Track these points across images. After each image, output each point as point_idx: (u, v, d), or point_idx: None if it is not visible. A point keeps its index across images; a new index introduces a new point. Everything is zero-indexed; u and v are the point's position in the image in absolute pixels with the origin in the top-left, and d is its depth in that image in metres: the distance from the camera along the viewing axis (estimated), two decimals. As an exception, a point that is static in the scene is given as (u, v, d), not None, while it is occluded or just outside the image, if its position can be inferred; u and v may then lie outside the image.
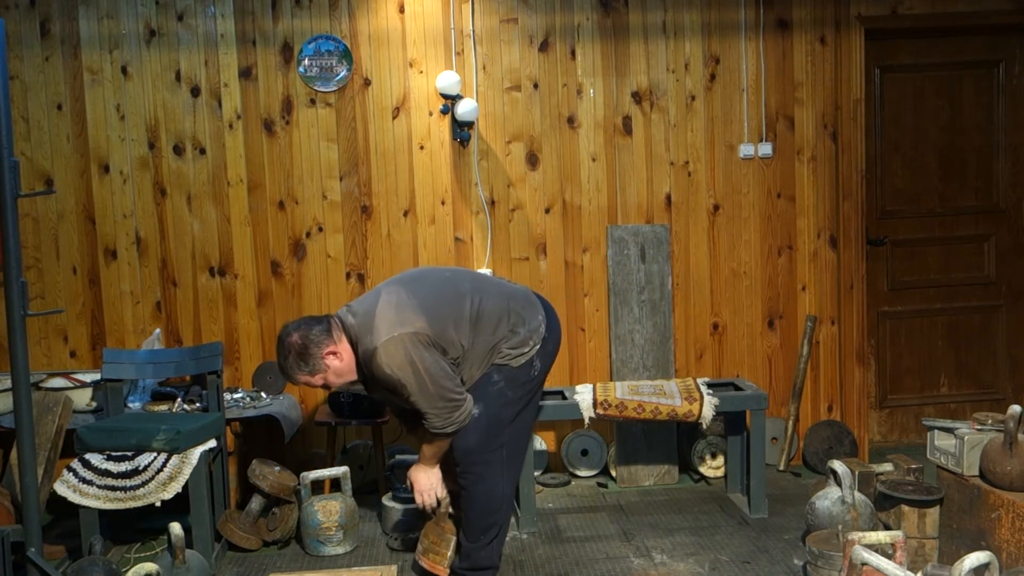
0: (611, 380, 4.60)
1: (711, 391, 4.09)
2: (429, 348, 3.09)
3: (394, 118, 4.52)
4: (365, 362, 3.14)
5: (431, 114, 4.51)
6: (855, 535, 2.90)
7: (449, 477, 3.38)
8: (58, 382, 4.08)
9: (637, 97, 4.60)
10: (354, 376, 3.22)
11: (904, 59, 4.84)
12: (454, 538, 3.32)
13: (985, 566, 2.52)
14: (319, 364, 3.14)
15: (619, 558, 3.66)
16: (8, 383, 3.50)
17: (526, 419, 3.35)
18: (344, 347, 3.17)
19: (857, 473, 3.59)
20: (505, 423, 3.23)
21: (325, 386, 3.25)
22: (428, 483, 3.35)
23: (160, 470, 3.49)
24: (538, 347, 3.28)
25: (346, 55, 4.46)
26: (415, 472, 3.35)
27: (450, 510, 3.37)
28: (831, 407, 4.78)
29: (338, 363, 3.16)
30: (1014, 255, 5.01)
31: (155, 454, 3.52)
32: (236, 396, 4.29)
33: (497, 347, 3.22)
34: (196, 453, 3.55)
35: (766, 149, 4.64)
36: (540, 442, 4.64)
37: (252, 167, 4.50)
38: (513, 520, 4.09)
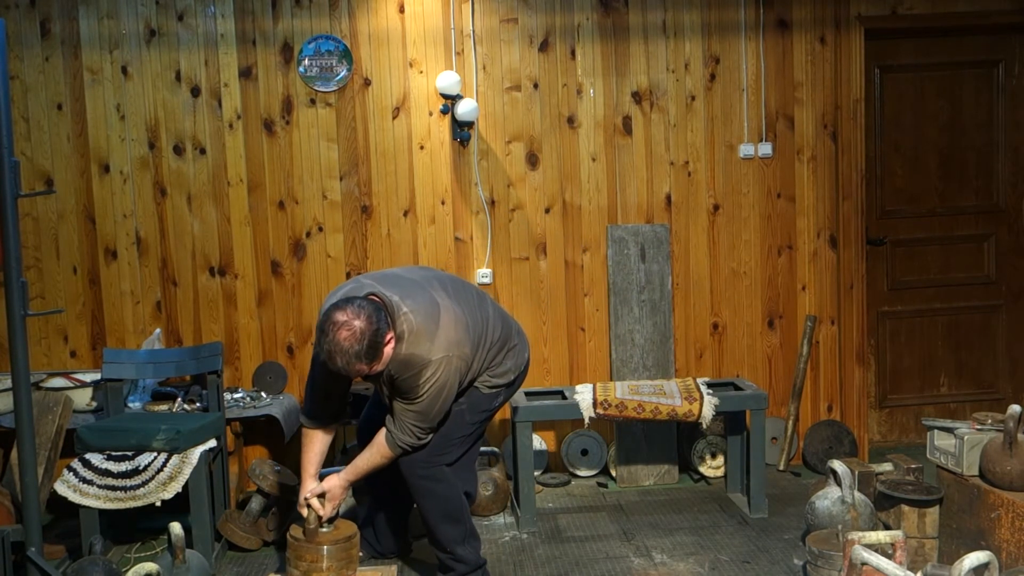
0: (611, 380, 4.61)
1: (711, 391, 4.09)
2: (459, 378, 3.09)
3: (394, 118, 4.52)
4: (405, 362, 2.98)
5: (431, 114, 4.51)
6: (855, 535, 2.90)
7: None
8: (58, 382, 4.09)
9: (637, 97, 4.60)
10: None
11: (904, 59, 4.84)
12: (331, 546, 3.06)
13: (985, 566, 2.52)
14: (380, 353, 2.91)
15: (619, 558, 3.66)
16: (8, 383, 3.50)
17: (469, 440, 3.32)
18: (393, 335, 2.97)
19: (857, 473, 3.59)
20: (454, 441, 3.23)
21: (367, 375, 3.01)
22: (341, 496, 3.21)
23: (160, 470, 3.49)
24: (511, 381, 3.30)
25: (346, 55, 4.46)
26: (335, 480, 3.17)
27: (324, 526, 3.14)
28: (831, 407, 4.78)
29: (390, 350, 2.95)
30: (1014, 255, 5.01)
31: (155, 454, 3.52)
32: (236, 396, 4.29)
33: (484, 373, 3.23)
34: (196, 453, 3.55)
35: (766, 149, 4.64)
36: (540, 442, 4.64)
37: (252, 167, 4.50)
38: (513, 520, 4.09)
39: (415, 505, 3.34)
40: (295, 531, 3.08)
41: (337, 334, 2.83)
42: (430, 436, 3.14)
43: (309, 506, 3.14)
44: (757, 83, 4.62)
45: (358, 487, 3.66)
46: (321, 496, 3.17)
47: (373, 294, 3.00)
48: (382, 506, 3.57)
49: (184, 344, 4.51)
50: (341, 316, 2.84)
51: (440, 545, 3.29)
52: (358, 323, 2.83)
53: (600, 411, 3.99)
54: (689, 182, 4.65)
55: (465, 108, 4.32)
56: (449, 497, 3.23)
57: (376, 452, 3.16)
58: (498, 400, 3.32)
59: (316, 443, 3.28)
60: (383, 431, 3.15)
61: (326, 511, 3.13)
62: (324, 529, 3.07)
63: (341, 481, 3.19)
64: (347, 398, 3.36)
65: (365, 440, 3.44)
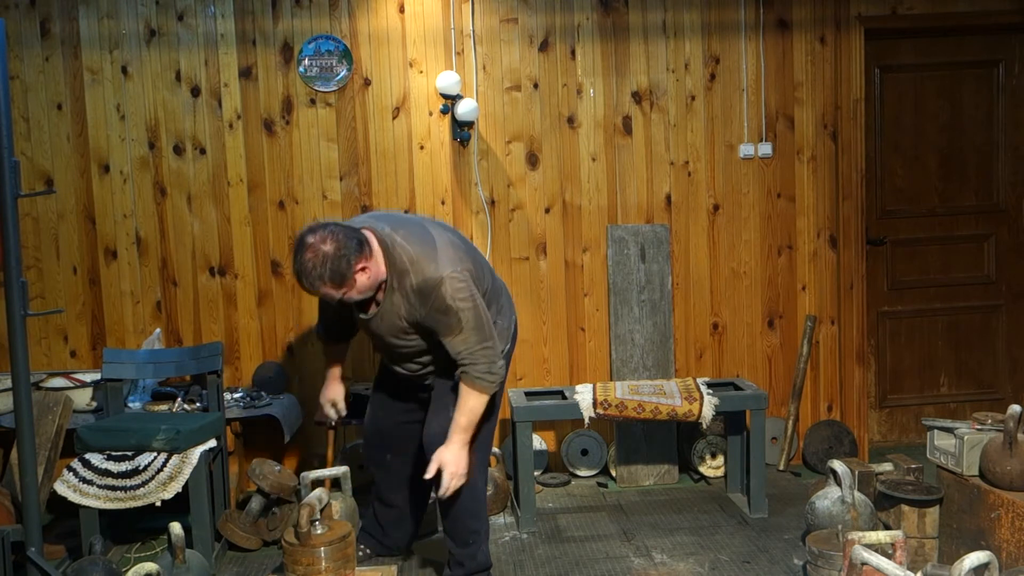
0: (611, 380, 4.61)
1: (711, 391, 4.09)
2: (478, 288, 3.10)
3: (394, 118, 4.52)
4: (419, 289, 3.02)
5: (431, 114, 4.51)
6: (855, 535, 2.90)
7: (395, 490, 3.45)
8: (58, 382, 4.09)
9: (637, 97, 4.60)
10: (371, 293, 3.08)
11: (904, 59, 4.84)
12: (328, 547, 3.00)
13: (985, 566, 2.52)
14: (349, 278, 2.96)
15: (619, 558, 3.66)
16: (8, 383, 3.50)
17: (492, 422, 3.33)
18: (374, 263, 3.01)
19: (857, 473, 3.59)
20: (480, 424, 3.19)
21: (340, 300, 3.05)
22: (462, 465, 3.08)
23: (160, 470, 3.49)
24: (506, 349, 3.30)
25: (346, 55, 4.46)
26: (450, 451, 3.07)
27: (316, 528, 3.05)
28: (831, 407, 4.78)
29: (365, 280, 3.00)
30: (1014, 255, 5.01)
31: (155, 454, 3.52)
32: (236, 396, 4.29)
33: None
34: (196, 453, 3.55)
35: (766, 149, 4.64)
36: (540, 442, 4.64)
37: (252, 167, 4.50)
38: (513, 520, 4.09)
39: (433, 500, 3.32)
40: (289, 535, 3.07)
41: (303, 256, 2.93)
42: (503, 360, 3.12)
43: (334, 415, 3.53)
44: (757, 83, 4.62)
45: (371, 480, 3.71)
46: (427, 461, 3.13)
47: (366, 227, 3.07)
48: (396, 502, 3.55)
49: (184, 344, 4.51)
50: (310, 239, 2.94)
51: (460, 539, 3.27)
52: (324, 247, 2.91)
53: (600, 411, 4.00)
54: (689, 182, 4.65)
55: (465, 108, 4.32)
56: (476, 490, 3.23)
57: (469, 399, 3.07)
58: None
59: (335, 351, 3.57)
60: (462, 383, 3.07)
61: (453, 485, 3.08)
62: (318, 531, 3.07)
63: (456, 446, 3.08)
64: (354, 321, 3.34)
65: (375, 446, 3.52)
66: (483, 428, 3.24)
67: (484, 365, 3.05)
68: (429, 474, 3.06)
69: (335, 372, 3.61)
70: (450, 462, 3.06)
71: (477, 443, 3.22)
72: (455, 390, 3.13)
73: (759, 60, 4.61)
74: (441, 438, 3.12)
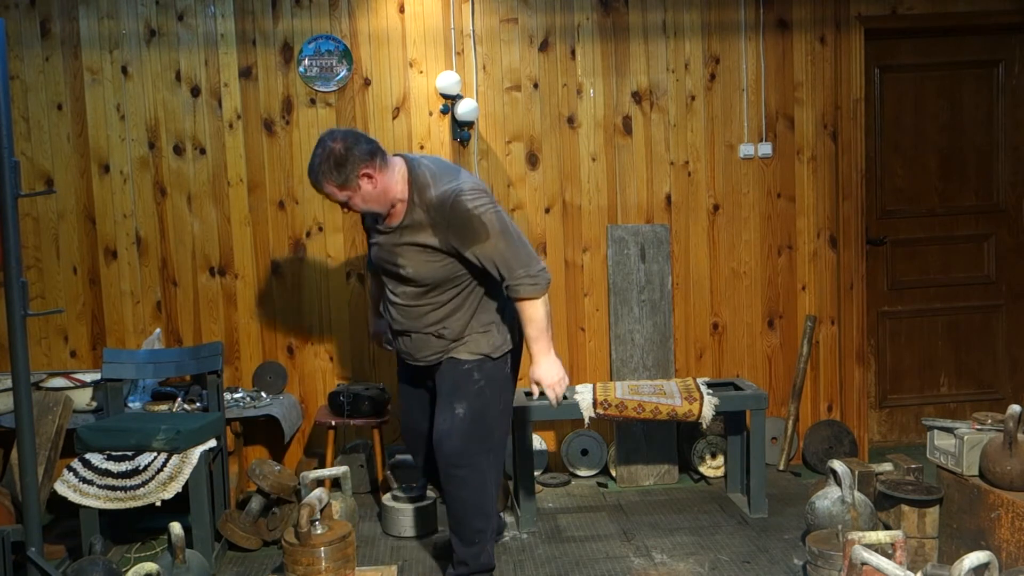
0: (611, 380, 4.61)
1: (711, 391, 4.09)
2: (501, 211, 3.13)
3: (394, 118, 4.52)
4: (440, 200, 3.03)
5: (431, 114, 4.51)
6: (855, 535, 2.90)
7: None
8: (58, 382, 4.09)
9: (637, 97, 4.60)
10: (379, 208, 3.10)
11: (904, 59, 4.84)
12: (327, 547, 3.00)
13: (985, 566, 2.52)
14: (352, 179, 3.01)
15: (619, 558, 3.66)
16: (8, 383, 3.50)
17: (505, 420, 3.33)
18: (383, 176, 3.05)
19: (857, 473, 3.60)
20: (490, 422, 3.20)
21: (346, 205, 3.09)
22: (558, 373, 3.17)
23: (160, 470, 3.49)
24: (510, 345, 3.28)
25: (346, 55, 4.46)
26: (537, 369, 3.15)
27: (316, 528, 3.03)
28: (831, 407, 4.78)
29: (370, 188, 3.04)
30: (1014, 255, 5.01)
31: (155, 454, 3.52)
32: (236, 396, 4.29)
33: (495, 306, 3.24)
34: (196, 453, 3.55)
35: (766, 149, 4.64)
36: (540, 442, 4.64)
37: (252, 167, 4.50)
38: (513, 520, 4.09)
39: (444, 498, 3.29)
40: (289, 535, 3.08)
41: (315, 152, 3.05)
42: (539, 261, 3.10)
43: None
44: (757, 83, 4.62)
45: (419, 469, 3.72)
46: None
47: (398, 154, 3.18)
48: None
49: (184, 344, 4.51)
50: (327, 139, 3.04)
51: (466, 538, 3.25)
52: (335, 146, 3.01)
53: (600, 411, 4.00)
54: (689, 182, 4.65)
55: (465, 108, 4.32)
56: (484, 489, 3.21)
57: (525, 310, 3.10)
58: (507, 367, 3.28)
59: (376, 282, 3.48)
60: (513, 300, 3.10)
61: (560, 392, 3.18)
62: (318, 531, 3.07)
63: (542, 360, 3.15)
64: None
65: (410, 444, 3.54)
66: (498, 425, 3.24)
67: (522, 270, 3.05)
68: (533, 395, 3.25)
69: (373, 308, 3.63)
70: (544, 376, 3.14)
71: (493, 441, 3.22)
72: (460, 384, 3.16)
73: (759, 60, 4.61)
74: (450, 436, 3.13)
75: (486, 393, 3.20)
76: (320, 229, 4.55)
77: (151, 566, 2.98)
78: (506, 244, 3.04)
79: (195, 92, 4.46)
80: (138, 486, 3.46)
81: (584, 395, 4.05)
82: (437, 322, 3.19)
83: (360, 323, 4.56)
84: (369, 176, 3.03)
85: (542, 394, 3.22)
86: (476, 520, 3.23)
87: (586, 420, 4.03)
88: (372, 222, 3.26)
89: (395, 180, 3.08)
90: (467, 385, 3.18)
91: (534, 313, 3.10)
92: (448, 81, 4.30)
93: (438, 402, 3.24)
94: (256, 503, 3.86)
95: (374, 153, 3.04)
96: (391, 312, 3.28)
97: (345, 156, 2.99)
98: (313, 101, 4.49)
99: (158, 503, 3.45)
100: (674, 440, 4.55)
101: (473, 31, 4.49)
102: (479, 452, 3.18)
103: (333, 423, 4.15)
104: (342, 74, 4.47)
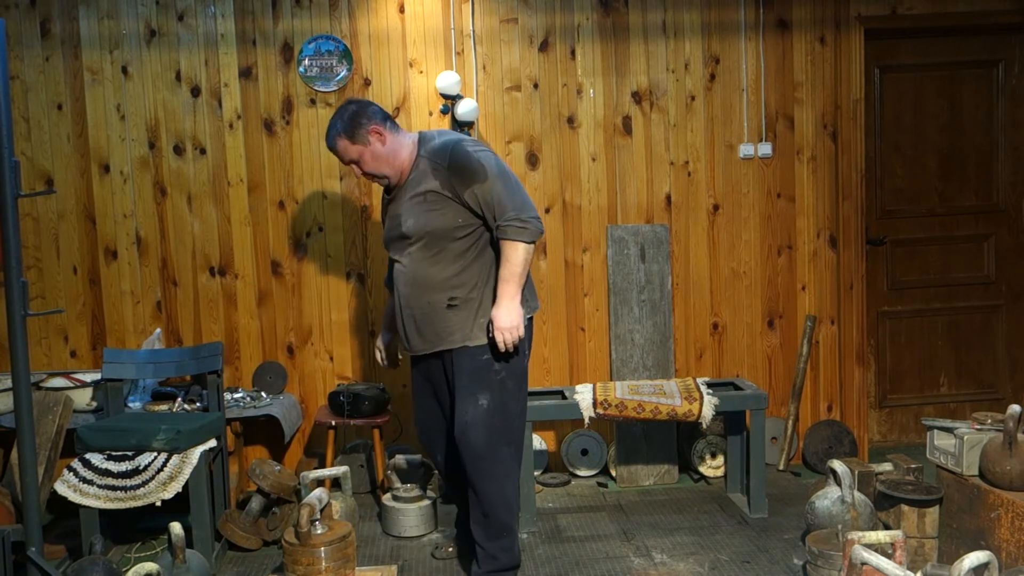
0: (611, 380, 4.61)
1: (711, 391, 4.09)
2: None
3: (394, 118, 4.51)
4: (442, 146, 3.16)
5: (431, 114, 4.51)
6: (855, 535, 2.90)
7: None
8: (58, 382, 4.09)
9: (637, 97, 4.60)
10: (389, 170, 3.21)
11: (904, 59, 4.84)
12: (327, 547, 2.97)
13: (984, 566, 2.52)
14: (362, 136, 3.17)
15: (619, 558, 3.66)
16: (8, 383, 3.50)
17: (524, 415, 3.32)
18: (393, 138, 3.20)
19: (857, 473, 3.60)
20: (511, 415, 3.19)
21: (358, 164, 3.23)
22: (514, 319, 3.10)
23: (160, 470, 3.49)
24: (532, 307, 3.28)
25: (346, 55, 4.46)
26: (496, 309, 3.11)
27: (316, 528, 3.01)
28: (831, 407, 4.78)
29: (379, 146, 3.19)
30: (1014, 255, 5.01)
31: (155, 454, 3.52)
32: (236, 396, 4.29)
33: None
34: (196, 453, 3.55)
35: (766, 149, 4.64)
36: (540, 442, 4.64)
37: (252, 167, 4.50)
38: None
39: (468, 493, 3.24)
40: (289, 535, 3.08)
41: (333, 114, 3.27)
42: (533, 208, 3.12)
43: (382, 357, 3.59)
44: (757, 83, 4.62)
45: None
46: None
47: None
48: (460, 490, 3.44)
49: (184, 344, 4.51)
50: (343, 104, 3.27)
51: (494, 532, 3.20)
52: (348, 106, 3.23)
53: (600, 411, 4.00)
54: (689, 182, 4.65)
55: (465, 108, 4.32)
56: (509, 480, 3.19)
57: (508, 252, 3.09)
58: (526, 359, 3.28)
59: (391, 298, 3.46)
60: (500, 242, 3.10)
61: (508, 340, 3.10)
62: (318, 531, 3.07)
63: (504, 302, 3.11)
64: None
65: (426, 444, 3.47)
66: (518, 417, 3.23)
67: (513, 212, 3.08)
68: (489, 334, 3.13)
69: (384, 324, 3.61)
70: (499, 318, 3.09)
71: (513, 434, 3.20)
72: (481, 376, 3.14)
73: (759, 60, 4.61)
74: (474, 426, 3.11)
75: (508, 385, 3.18)
76: (320, 229, 4.55)
77: (151, 566, 2.98)
78: (503, 186, 3.10)
79: (195, 92, 4.46)
80: (138, 486, 3.46)
81: (584, 395, 4.05)
82: (445, 282, 3.15)
83: (360, 323, 4.56)
84: (379, 134, 3.18)
85: (491, 339, 3.13)
86: (502, 512, 3.19)
87: (586, 420, 4.03)
88: (383, 205, 3.38)
89: (404, 145, 3.22)
90: (488, 376, 3.16)
91: (513, 255, 3.09)
92: (448, 81, 4.30)
93: (458, 394, 3.19)
94: (256, 503, 3.86)
95: (385, 117, 3.23)
96: (400, 291, 3.24)
97: (358, 113, 3.18)
98: (313, 101, 4.49)
99: (158, 503, 3.45)
100: (674, 440, 4.55)
101: (473, 31, 4.49)
102: (503, 443, 3.16)
103: (333, 423, 4.15)
104: (342, 74, 4.47)
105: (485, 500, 3.18)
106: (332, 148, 3.26)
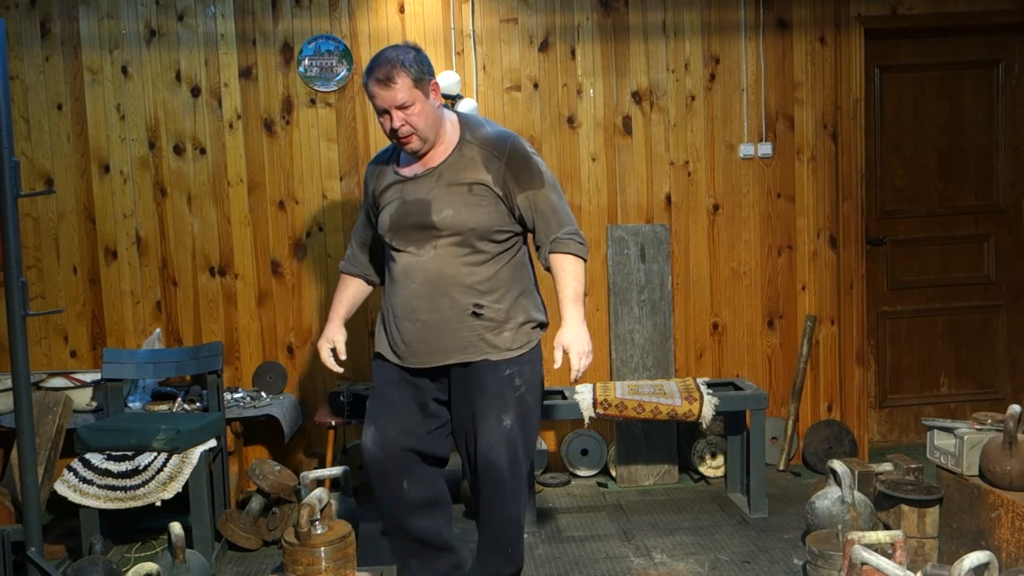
0: (611, 380, 4.61)
1: (711, 391, 4.09)
2: None
3: (394, 118, 4.51)
4: (499, 138, 2.83)
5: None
6: (855, 535, 2.90)
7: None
8: (58, 382, 4.09)
9: (637, 97, 4.60)
10: (431, 134, 2.80)
11: (904, 59, 4.84)
12: (328, 547, 2.87)
13: (985, 566, 2.52)
14: (425, 83, 2.76)
15: (619, 558, 3.66)
16: (8, 383, 3.50)
17: (538, 427, 3.08)
18: (440, 101, 2.85)
19: (857, 473, 3.60)
20: (531, 431, 2.92)
21: (403, 108, 2.74)
22: (588, 342, 2.82)
23: (160, 470, 3.49)
24: (546, 319, 3.01)
25: (346, 55, 4.46)
26: (568, 333, 2.81)
27: (316, 528, 2.91)
28: (831, 407, 4.78)
29: (435, 102, 2.81)
30: (1014, 255, 5.01)
31: (155, 454, 3.52)
32: (236, 396, 4.29)
33: (527, 293, 2.94)
34: (196, 453, 3.56)
35: (766, 149, 4.64)
36: (540, 442, 4.64)
37: (252, 167, 4.50)
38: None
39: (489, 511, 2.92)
40: (289, 535, 3.08)
41: (383, 50, 2.80)
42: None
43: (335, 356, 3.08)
44: (757, 83, 4.62)
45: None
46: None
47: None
48: (420, 530, 3.05)
49: (184, 344, 4.51)
50: (395, 45, 2.85)
51: (511, 537, 2.93)
52: (408, 46, 2.82)
53: (600, 411, 4.00)
54: (689, 182, 4.65)
55: (465, 108, 4.31)
56: (523, 484, 2.93)
57: (569, 266, 2.85)
58: (542, 367, 3.00)
59: (349, 288, 3.17)
60: (556, 257, 2.85)
61: (585, 366, 2.83)
62: (318, 531, 3.07)
63: (575, 324, 2.83)
64: (381, 259, 3.07)
65: (386, 474, 2.96)
66: (533, 436, 2.96)
67: (571, 227, 2.85)
68: (556, 363, 2.82)
69: (339, 313, 3.16)
70: (575, 343, 2.81)
71: (531, 448, 2.95)
72: (503, 392, 2.82)
73: (759, 60, 4.61)
74: (496, 449, 2.79)
75: (527, 400, 2.89)
76: (320, 229, 4.55)
77: (151, 566, 2.98)
78: (558, 197, 2.87)
79: (195, 92, 4.46)
80: (138, 486, 3.46)
81: (584, 395, 4.05)
82: (473, 287, 2.82)
83: (360, 322, 4.56)
84: (436, 92, 2.82)
85: (520, 356, 2.87)
86: (518, 514, 2.92)
87: (586, 420, 4.03)
88: (387, 182, 2.92)
89: (446, 118, 2.87)
90: (510, 392, 2.84)
91: (578, 271, 2.84)
92: (448, 81, 4.29)
93: (479, 414, 2.83)
94: (256, 503, 3.86)
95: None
96: (409, 291, 2.85)
97: (423, 60, 2.79)
98: (313, 101, 4.49)
99: (158, 503, 3.45)
100: (674, 440, 4.55)
101: (473, 31, 4.49)
102: (525, 462, 2.90)
103: (333, 423, 4.15)
104: (342, 74, 4.47)
105: (508, 525, 2.88)
106: (387, 80, 2.72)
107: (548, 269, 2.92)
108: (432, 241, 2.82)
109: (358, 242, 3.18)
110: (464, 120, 2.90)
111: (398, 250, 2.88)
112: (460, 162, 2.81)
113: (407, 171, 2.88)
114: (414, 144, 2.81)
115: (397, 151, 2.95)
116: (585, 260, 2.89)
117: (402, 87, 2.72)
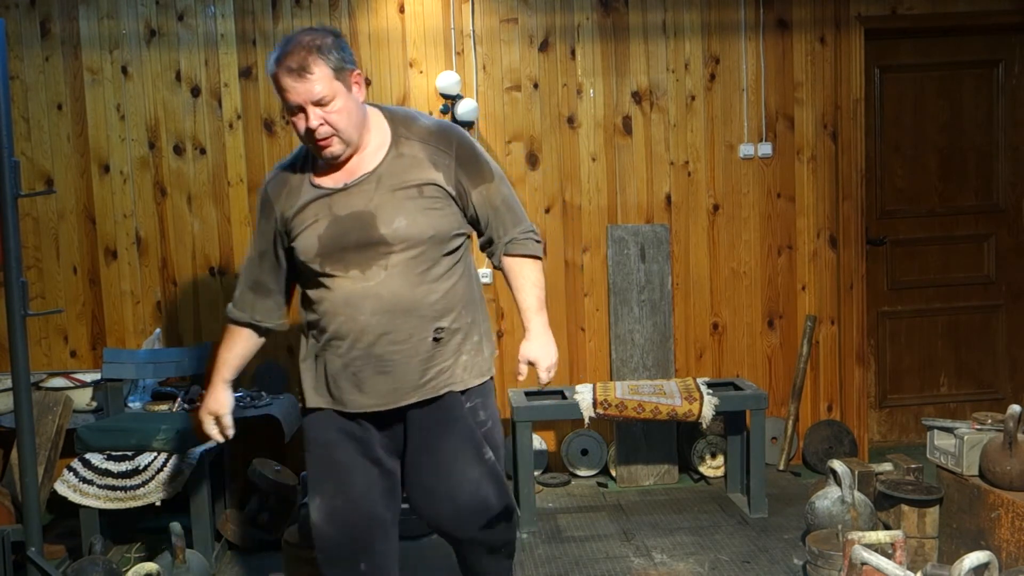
0: (611, 380, 4.61)
1: (711, 391, 4.10)
2: None
3: (394, 118, 4.51)
4: (440, 129, 2.45)
5: (431, 114, 4.51)
6: (855, 535, 2.91)
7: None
8: (58, 382, 4.08)
9: (637, 97, 4.60)
10: (353, 133, 2.34)
11: (904, 59, 4.84)
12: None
13: (985, 566, 2.52)
14: (346, 75, 2.32)
15: (619, 558, 3.66)
16: (8, 383, 3.50)
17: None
18: (364, 97, 2.41)
19: (857, 473, 3.60)
20: (503, 458, 2.64)
21: (321, 104, 2.30)
22: (555, 353, 2.56)
23: (160, 470, 3.49)
24: (495, 349, 2.74)
25: (346, 55, 4.45)
26: (534, 345, 2.52)
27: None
28: (831, 407, 4.78)
29: (359, 96, 2.36)
30: (1014, 255, 5.01)
31: (155, 454, 3.53)
32: (236, 396, 4.27)
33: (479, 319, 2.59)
34: (196, 453, 3.55)
35: (766, 149, 4.64)
36: (540, 442, 4.64)
37: (252, 167, 4.50)
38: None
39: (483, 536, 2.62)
40: (289, 535, 3.08)
41: (297, 34, 2.35)
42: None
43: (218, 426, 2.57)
44: (757, 83, 4.62)
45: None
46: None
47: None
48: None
49: (184, 344, 4.51)
50: (308, 29, 2.39)
51: (509, 548, 2.69)
52: (324, 29, 2.38)
53: (600, 411, 4.00)
54: (689, 182, 4.65)
55: (465, 108, 4.32)
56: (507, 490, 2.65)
57: (528, 270, 2.54)
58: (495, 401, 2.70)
59: (236, 344, 2.60)
60: (511, 261, 2.53)
61: (548, 377, 2.57)
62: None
63: (541, 335, 2.54)
64: (282, 298, 2.62)
65: (345, 549, 2.54)
66: (502, 462, 2.63)
67: (526, 223, 2.54)
68: (521, 376, 2.53)
69: (223, 375, 2.60)
70: (543, 357, 2.52)
71: (504, 477, 2.64)
72: (471, 428, 2.50)
73: (759, 60, 4.61)
74: (483, 484, 2.50)
75: (495, 435, 2.60)
76: (320, 229, 4.54)
77: (151, 566, 2.98)
78: (508, 190, 2.52)
79: (195, 92, 4.46)
80: (138, 486, 3.46)
81: (584, 395, 4.05)
82: (431, 308, 2.41)
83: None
84: (359, 85, 2.37)
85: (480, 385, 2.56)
86: (511, 518, 2.62)
87: (586, 420, 4.03)
88: (303, 200, 2.42)
89: (368, 113, 2.43)
90: (477, 427, 2.53)
91: (539, 276, 2.54)
92: (448, 81, 4.30)
93: (451, 454, 2.49)
94: (256, 503, 3.86)
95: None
96: (351, 325, 2.39)
97: (343, 46, 2.34)
98: (313, 101, 4.49)
99: (158, 503, 3.45)
100: (674, 440, 4.55)
101: (473, 31, 4.49)
102: (508, 490, 2.60)
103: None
104: (342, 74, 4.47)
105: (500, 517, 2.56)
106: (301, 70, 2.26)
107: (499, 269, 2.60)
108: (381, 260, 2.37)
109: (248, 281, 2.61)
110: (390, 113, 2.47)
111: (333, 276, 2.39)
112: (401, 162, 2.39)
113: (330, 181, 2.40)
114: (335, 148, 2.35)
115: (308, 159, 2.46)
116: (539, 255, 2.56)
117: (320, 78, 2.27)
